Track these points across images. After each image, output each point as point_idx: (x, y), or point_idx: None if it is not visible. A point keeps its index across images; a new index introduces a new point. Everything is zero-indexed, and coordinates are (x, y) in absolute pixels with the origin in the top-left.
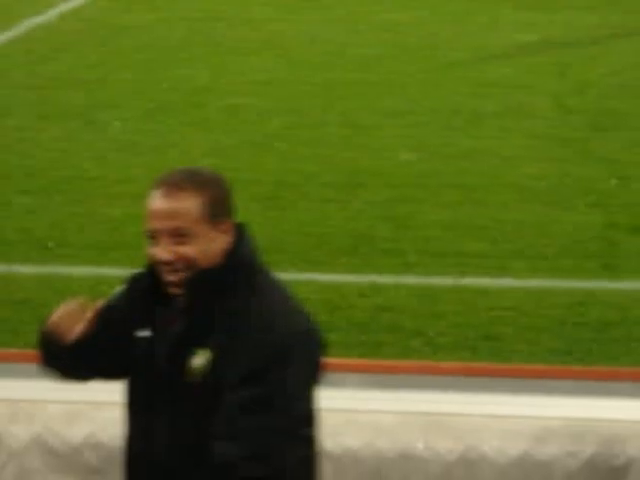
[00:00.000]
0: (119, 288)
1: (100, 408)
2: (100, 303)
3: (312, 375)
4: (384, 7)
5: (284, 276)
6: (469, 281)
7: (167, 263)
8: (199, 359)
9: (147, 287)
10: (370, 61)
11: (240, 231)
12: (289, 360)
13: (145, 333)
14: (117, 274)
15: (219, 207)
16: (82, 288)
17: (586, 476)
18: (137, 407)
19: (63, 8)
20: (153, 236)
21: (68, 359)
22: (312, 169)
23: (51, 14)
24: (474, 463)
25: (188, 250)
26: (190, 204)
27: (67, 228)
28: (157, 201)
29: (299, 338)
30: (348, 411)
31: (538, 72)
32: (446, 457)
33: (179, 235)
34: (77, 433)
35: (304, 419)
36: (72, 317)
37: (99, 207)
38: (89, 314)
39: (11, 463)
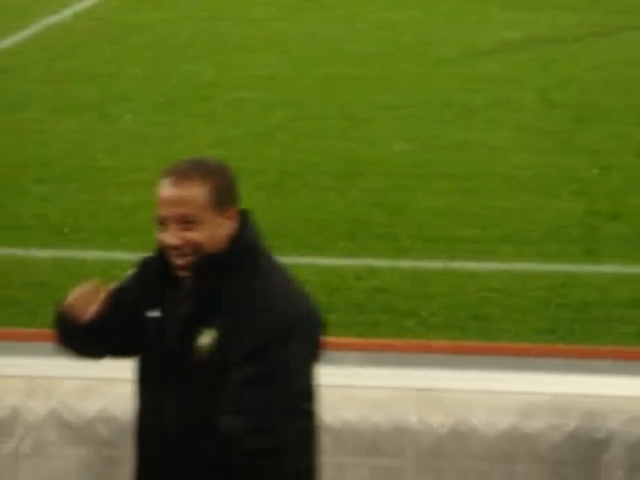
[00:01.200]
0: (130, 271)
1: (112, 384)
2: (113, 285)
3: (312, 353)
4: (380, 7)
5: (286, 260)
6: (459, 264)
7: (175, 248)
8: (205, 338)
9: (157, 270)
10: (367, 57)
11: (244, 217)
12: (291, 338)
13: (155, 313)
14: (128, 258)
15: (225, 195)
16: (95, 271)
17: (569, 448)
18: (148, 383)
19: (77, 8)
20: (162, 222)
21: (83, 338)
22: (312, 159)
23: (66, 13)
24: (464, 436)
25: (195, 236)
26: (197, 192)
27: (81, 214)
28: (166, 189)
29: (300, 318)
30: (346, 387)
31: (524, 68)
32: (438, 430)
33: (187, 221)
34: (91, 407)
35: (305, 394)
36: (86, 299)
37: (111, 195)
38: (102, 296)
39: (29, 436)
